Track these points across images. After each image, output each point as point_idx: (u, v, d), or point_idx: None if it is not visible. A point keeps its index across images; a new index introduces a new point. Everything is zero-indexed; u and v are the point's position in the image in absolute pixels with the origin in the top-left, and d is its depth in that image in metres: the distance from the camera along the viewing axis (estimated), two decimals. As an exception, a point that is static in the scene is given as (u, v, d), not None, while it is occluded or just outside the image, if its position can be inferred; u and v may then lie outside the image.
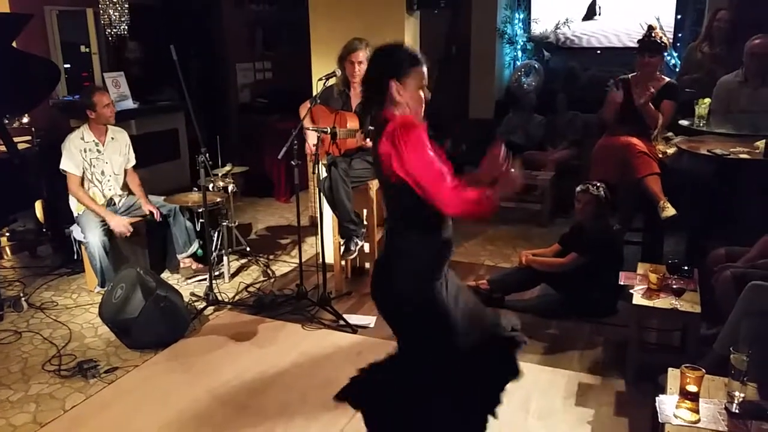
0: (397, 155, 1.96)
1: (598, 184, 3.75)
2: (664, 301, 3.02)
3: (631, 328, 3.10)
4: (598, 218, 3.76)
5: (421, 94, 2.14)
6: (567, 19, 6.79)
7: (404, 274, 2.11)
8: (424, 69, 2.12)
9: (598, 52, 6.93)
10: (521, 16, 7.18)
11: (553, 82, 6.81)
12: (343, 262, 4.32)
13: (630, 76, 4.26)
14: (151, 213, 4.20)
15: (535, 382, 3.11)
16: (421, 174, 1.95)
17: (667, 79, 4.18)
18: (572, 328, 3.65)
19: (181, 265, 4.48)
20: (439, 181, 1.94)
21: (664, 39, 4.09)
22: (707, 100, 3.94)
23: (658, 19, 6.16)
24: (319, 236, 4.06)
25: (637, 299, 3.06)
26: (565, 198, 5.47)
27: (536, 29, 7.10)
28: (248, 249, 4.83)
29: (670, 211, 3.76)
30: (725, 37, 4.63)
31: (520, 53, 7.24)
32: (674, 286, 3.00)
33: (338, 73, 3.89)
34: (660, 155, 4.02)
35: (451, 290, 2.16)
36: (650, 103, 3.96)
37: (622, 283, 3.27)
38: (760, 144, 3.66)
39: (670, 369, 2.35)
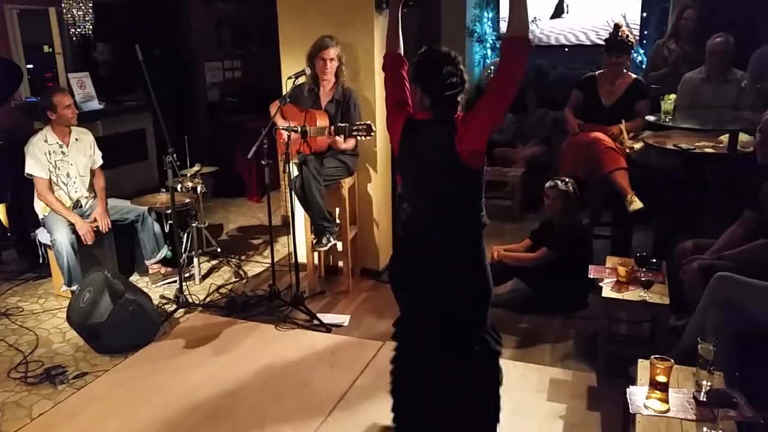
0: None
1: (567, 180, 3.80)
2: (633, 294, 3.06)
3: (601, 321, 3.14)
4: (567, 213, 3.80)
5: None
6: (535, 18, 6.85)
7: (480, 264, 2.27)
8: None
9: (566, 50, 7.00)
10: (490, 15, 7.23)
11: (523, 80, 6.86)
12: (315, 261, 4.30)
13: (597, 73, 4.32)
14: (96, 226, 4.06)
15: (507, 377, 3.11)
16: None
17: (634, 76, 4.26)
18: (543, 322, 3.69)
19: (150, 270, 4.41)
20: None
21: (631, 37, 4.16)
22: (673, 96, 4.02)
23: (624, 17, 6.29)
24: (292, 235, 4.04)
25: (607, 292, 3.10)
26: (535, 194, 5.52)
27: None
28: (219, 250, 4.78)
29: (637, 204, 3.82)
30: (692, 34, 4.71)
31: (489, 51, 7.29)
32: (643, 279, 3.05)
33: (308, 71, 3.87)
34: (627, 150, 4.08)
35: None
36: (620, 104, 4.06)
37: (591, 277, 3.31)
38: (724, 138, 3.74)
39: (640, 360, 2.39)
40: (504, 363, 3.18)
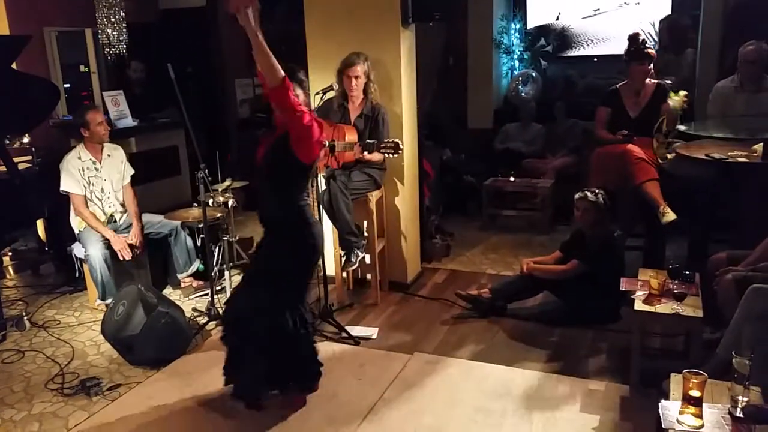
0: None
1: (597, 191, 3.76)
2: (665, 307, 3.01)
3: (633, 334, 3.09)
4: (597, 225, 3.76)
5: None
6: (559, 14, 6.85)
7: None
8: None
9: (595, 60, 6.96)
10: (517, 26, 7.23)
11: (551, 90, 6.84)
12: (344, 274, 4.32)
13: (619, 86, 4.28)
14: (132, 245, 4.17)
15: (539, 389, 3.10)
16: None
17: (656, 81, 4.21)
18: (575, 336, 3.65)
19: (182, 284, 4.48)
20: None
21: (649, 44, 4.11)
22: (682, 93, 3.96)
23: (653, 25, 6.23)
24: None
25: (639, 305, 3.06)
26: (564, 205, 5.48)
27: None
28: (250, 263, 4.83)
29: (670, 216, 3.76)
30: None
31: (517, 63, 7.27)
32: (676, 291, 3.00)
33: (335, 86, 3.92)
34: (660, 161, 4.02)
35: None
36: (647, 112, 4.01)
37: (623, 289, 3.27)
38: (758, 147, 3.66)
39: (672, 374, 2.35)
40: (535, 375, 3.21)
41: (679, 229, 3.90)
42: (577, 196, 3.80)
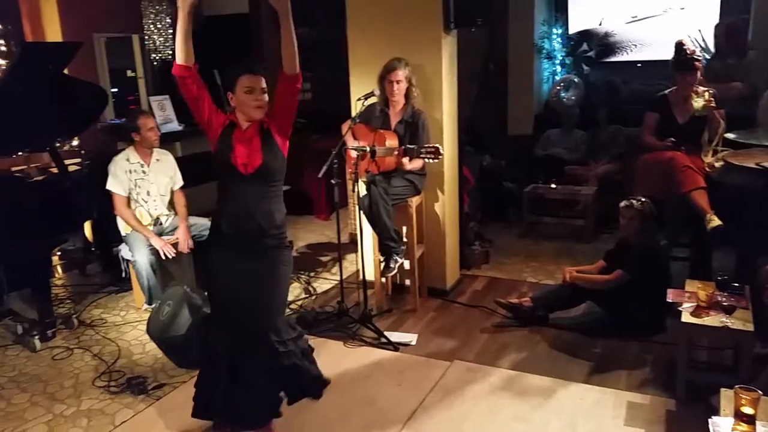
0: None
1: (643, 199, 3.69)
2: (714, 319, 2.94)
3: (680, 347, 3.02)
4: (643, 234, 3.69)
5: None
6: (602, 20, 6.76)
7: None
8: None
9: (639, 65, 6.85)
10: (559, 31, 7.16)
11: (594, 96, 6.75)
12: (383, 279, 4.33)
13: (668, 92, 4.19)
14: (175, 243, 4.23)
15: (582, 401, 3.05)
16: None
17: (705, 88, 4.10)
18: (618, 347, 3.58)
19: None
20: None
21: (697, 53, 4.01)
22: (707, 94, 3.86)
23: (700, 32, 6.09)
24: (360, 253, 4.08)
25: (686, 317, 2.99)
26: (608, 213, 5.39)
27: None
28: (289, 267, 4.87)
29: (715, 221, 3.67)
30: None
31: (558, 68, 7.20)
32: (725, 304, 2.93)
33: (377, 92, 3.94)
34: (707, 169, 3.93)
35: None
36: (695, 119, 3.91)
37: (670, 300, 3.20)
38: (812, 156, 3.55)
39: (722, 389, 2.28)
40: (577, 387, 3.16)
41: (726, 240, 3.80)
42: (622, 204, 3.73)
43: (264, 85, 2.58)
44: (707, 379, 3.06)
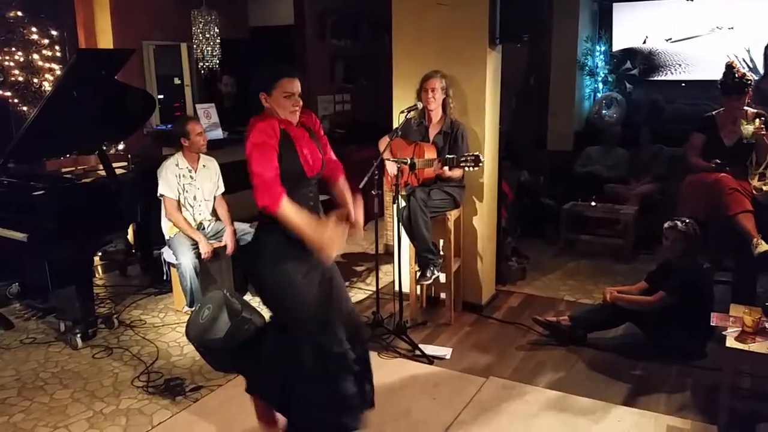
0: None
1: (687, 221, 3.63)
2: (760, 345, 2.87)
3: (724, 373, 2.95)
4: (687, 256, 3.62)
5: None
6: (646, 37, 6.69)
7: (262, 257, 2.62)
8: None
9: (683, 84, 6.75)
10: (602, 48, 7.11)
11: (636, 114, 6.67)
12: (418, 292, 4.32)
13: (715, 113, 4.11)
14: (225, 246, 4.33)
15: (621, 423, 3.00)
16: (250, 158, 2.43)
17: (754, 111, 4.01)
18: (658, 370, 3.51)
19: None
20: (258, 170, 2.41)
21: (748, 75, 3.93)
22: (757, 120, 3.77)
23: (748, 51, 5.98)
24: (396, 264, 4.09)
25: (731, 342, 2.92)
26: (648, 233, 5.31)
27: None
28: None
29: (763, 246, 3.58)
30: None
31: (600, 85, 7.15)
32: (772, 330, 2.85)
33: (419, 106, 3.97)
34: (754, 192, 3.84)
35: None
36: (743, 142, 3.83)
37: (714, 324, 3.13)
38: None
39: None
40: (616, 409, 3.11)
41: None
42: (666, 225, 3.67)
43: (300, 89, 2.56)
44: (750, 407, 2.97)
